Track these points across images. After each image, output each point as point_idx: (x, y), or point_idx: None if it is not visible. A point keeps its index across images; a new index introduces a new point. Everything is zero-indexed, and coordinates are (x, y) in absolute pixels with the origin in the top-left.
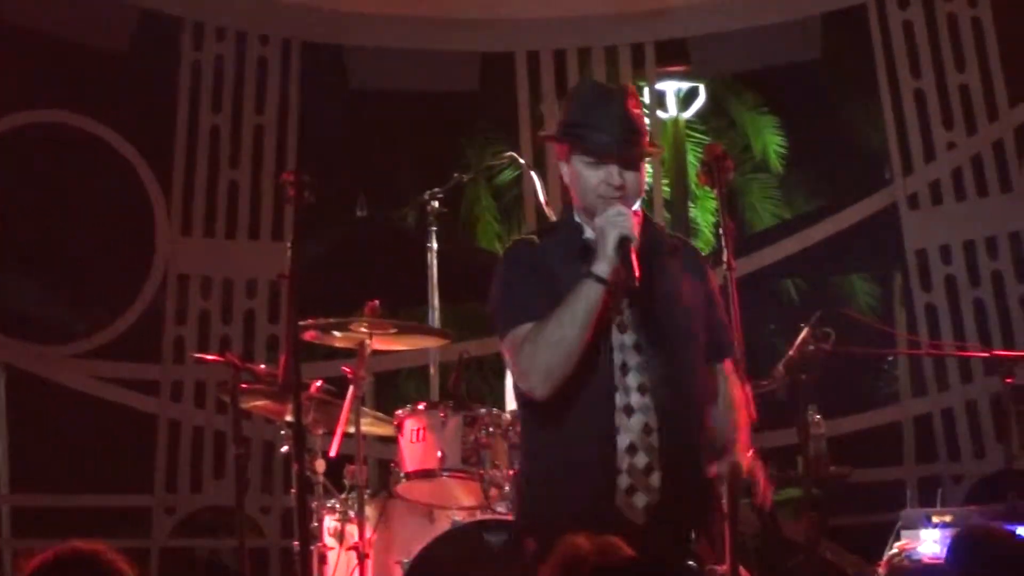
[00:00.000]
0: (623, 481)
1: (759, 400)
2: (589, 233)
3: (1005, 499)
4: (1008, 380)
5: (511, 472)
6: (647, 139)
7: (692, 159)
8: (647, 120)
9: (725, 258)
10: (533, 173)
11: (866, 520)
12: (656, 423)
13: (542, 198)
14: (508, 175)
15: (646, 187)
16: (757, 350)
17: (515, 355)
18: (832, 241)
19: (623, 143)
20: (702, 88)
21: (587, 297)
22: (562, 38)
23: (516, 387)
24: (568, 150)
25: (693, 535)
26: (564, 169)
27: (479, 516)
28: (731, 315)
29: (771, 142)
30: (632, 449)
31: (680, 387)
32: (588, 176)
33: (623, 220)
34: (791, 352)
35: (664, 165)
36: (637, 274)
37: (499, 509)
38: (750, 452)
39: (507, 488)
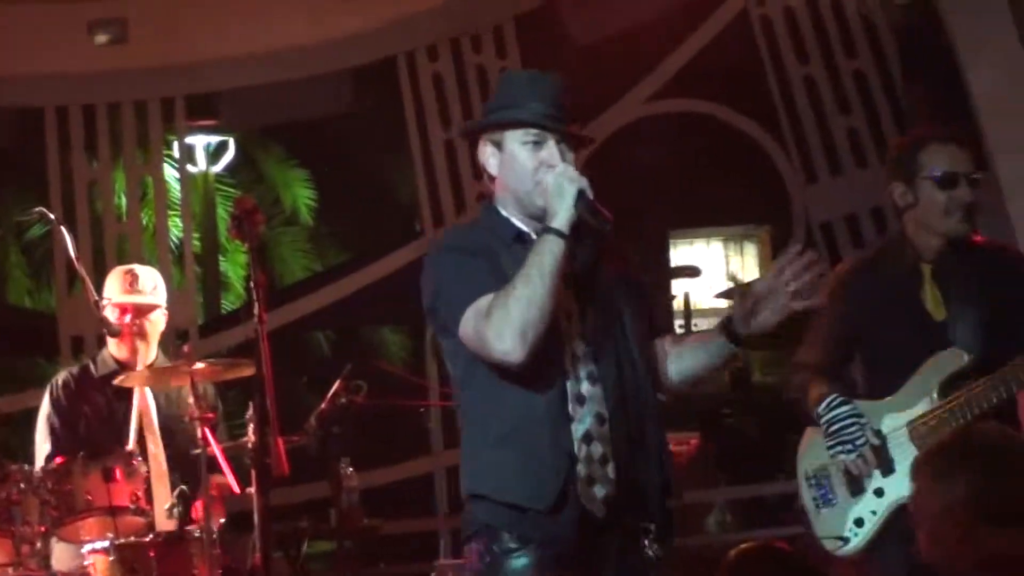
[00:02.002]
0: (581, 471)
1: (291, 454)
2: (521, 225)
3: None
4: None
5: (42, 529)
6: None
7: (222, 212)
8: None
9: (256, 311)
10: (63, 228)
11: (400, 572)
12: (608, 412)
13: (72, 253)
14: (38, 231)
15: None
16: (289, 404)
17: (483, 324)
18: (363, 293)
19: (562, 118)
20: (232, 142)
21: (552, 252)
22: (92, 93)
23: (467, 368)
24: (498, 135)
25: (652, 528)
26: (492, 160)
27: (12, 574)
28: (262, 370)
29: (301, 195)
30: (588, 438)
31: (629, 377)
32: (525, 159)
33: (574, 174)
34: (323, 405)
35: (194, 219)
36: (608, 216)
37: (31, 565)
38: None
39: (39, 545)
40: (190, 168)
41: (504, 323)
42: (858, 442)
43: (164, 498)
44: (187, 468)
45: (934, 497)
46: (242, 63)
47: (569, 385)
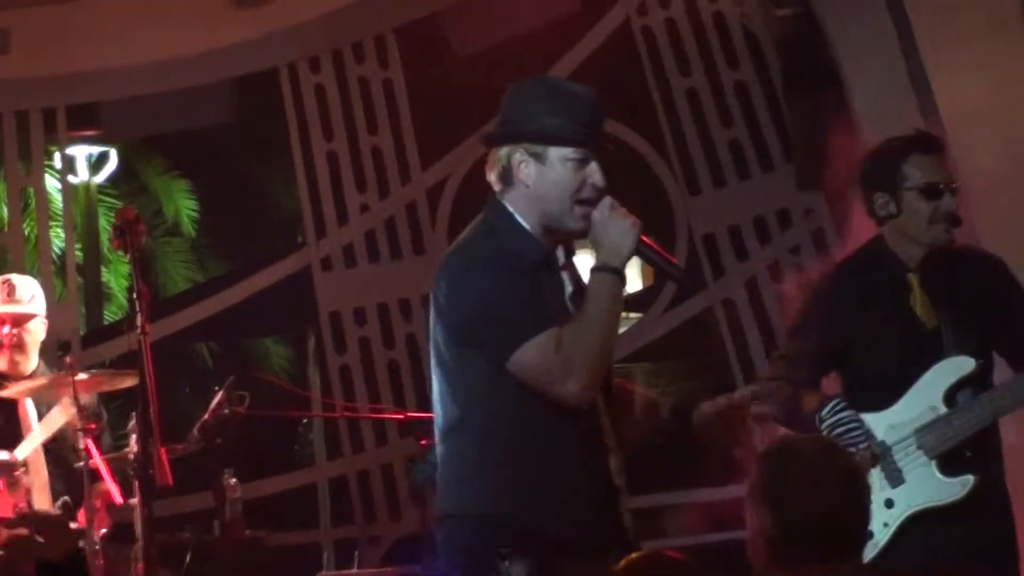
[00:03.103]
0: (622, 503)
1: (174, 465)
2: (539, 238)
3: (421, 560)
4: (423, 442)
5: None
6: None
7: (104, 223)
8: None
9: (139, 322)
10: None
11: None
12: (615, 444)
13: None
14: None
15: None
16: (172, 415)
17: (553, 360)
18: (246, 304)
19: (604, 137)
20: (114, 152)
21: (615, 294)
22: None
23: (490, 383)
24: (540, 147)
25: None
26: (526, 170)
27: None
28: (145, 381)
29: (184, 206)
30: (620, 470)
31: (617, 408)
32: (569, 176)
33: (631, 218)
34: (206, 416)
35: (76, 230)
36: (675, 260)
37: None
38: None
39: None
40: (72, 178)
41: (579, 366)
42: (860, 445)
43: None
44: (70, 479)
45: (751, 513)
46: (124, 73)
47: (601, 418)
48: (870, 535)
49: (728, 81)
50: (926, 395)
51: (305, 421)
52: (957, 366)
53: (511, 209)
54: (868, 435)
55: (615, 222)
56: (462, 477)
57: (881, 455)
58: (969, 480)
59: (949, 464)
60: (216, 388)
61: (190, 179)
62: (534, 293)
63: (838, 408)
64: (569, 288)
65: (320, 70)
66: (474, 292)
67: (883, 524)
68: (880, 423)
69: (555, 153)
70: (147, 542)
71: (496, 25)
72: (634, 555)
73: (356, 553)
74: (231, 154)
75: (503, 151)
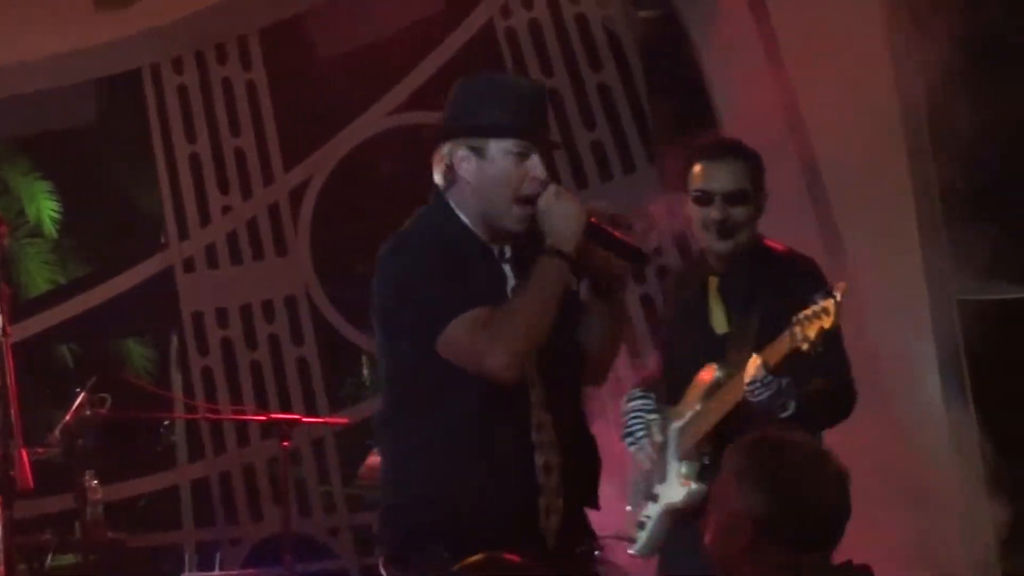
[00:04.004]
0: (542, 502)
1: (35, 467)
2: (479, 233)
3: (283, 562)
4: (285, 443)
5: None
6: None
7: None
8: None
9: (0, 324)
10: None
11: None
12: (556, 438)
13: None
14: None
15: None
16: (33, 416)
17: (480, 335)
18: (108, 306)
19: (547, 129)
20: None
21: (558, 278)
22: None
23: (423, 371)
24: (479, 141)
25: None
26: (466, 165)
27: None
28: (6, 383)
29: (45, 207)
30: (548, 468)
31: (571, 403)
32: (510, 170)
33: (577, 202)
34: (68, 418)
35: None
36: (630, 240)
37: None
38: None
39: None
40: None
41: (505, 340)
42: (638, 434)
43: None
44: None
45: (734, 493)
46: None
47: (532, 412)
48: (643, 525)
49: (591, 83)
50: (691, 396)
51: (167, 423)
52: (721, 369)
53: (452, 204)
54: (648, 429)
55: (561, 205)
56: (387, 470)
57: (660, 450)
58: (692, 489)
59: (692, 468)
60: (78, 390)
61: (52, 180)
62: (462, 274)
63: (630, 397)
64: (512, 281)
65: (183, 71)
66: (401, 272)
67: (647, 516)
68: (668, 421)
69: (495, 147)
70: (7, 544)
71: (361, 26)
72: (471, 559)
73: (218, 555)
74: (94, 155)
75: (445, 147)
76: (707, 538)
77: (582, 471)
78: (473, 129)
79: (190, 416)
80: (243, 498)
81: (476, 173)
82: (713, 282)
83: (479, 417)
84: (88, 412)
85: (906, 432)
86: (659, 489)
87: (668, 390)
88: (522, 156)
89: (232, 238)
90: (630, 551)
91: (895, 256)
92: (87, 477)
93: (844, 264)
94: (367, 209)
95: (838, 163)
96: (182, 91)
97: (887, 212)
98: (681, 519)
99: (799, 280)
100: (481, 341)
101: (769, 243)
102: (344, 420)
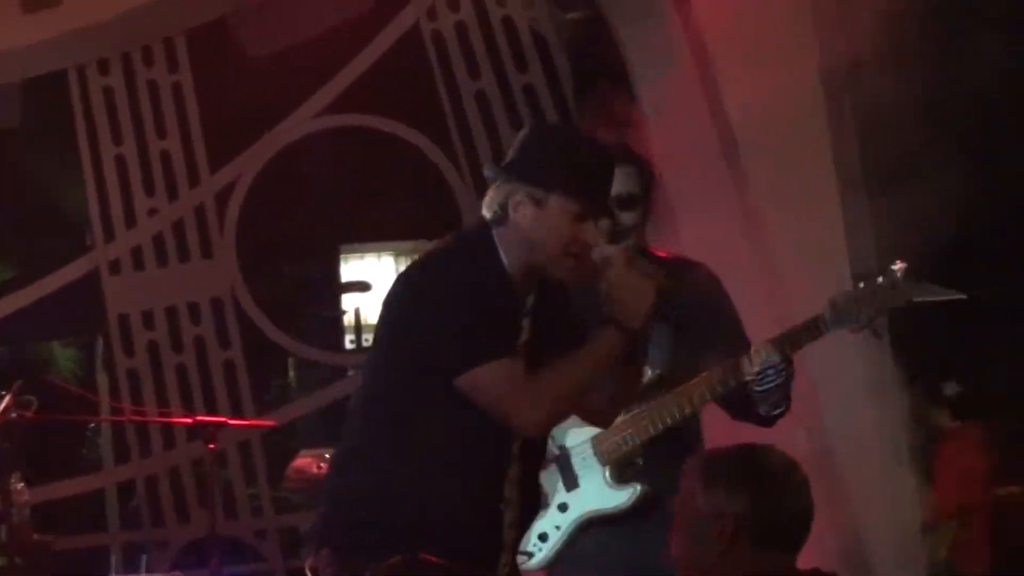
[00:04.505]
0: (503, 558)
1: None
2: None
3: (208, 565)
4: (211, 446)
5: None
6: None
7: None
8: None
9: None
10: None
11: None
12: (516, 498)
13: None
14: None
15: None
16: None
17: (518, 388)
18: (33, 308)
19: (607, 200)
20: None
21: (613, 353)
22: None
23: (421, 393)
24: (543, 193)
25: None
26: (525, 212)
27: None
28: None
29: None
30: (511, 525)
31: (538, 455)
32: (563, 229)
33: (649, 289)
34: None
35: None
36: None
37: None
38: None
39: None
40: None
41: (547, 400)
42: None
43: None
44: None
45: (703, 501)
46: None
47: (510, 468)
48: (545, 537)
49: (517, 84)
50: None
51: (93, 425)
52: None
53: (498, 242)
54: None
55: (634, 280)
56: (355, 479)
57: (560, 458)
58: (637, 490)
59: (621, 472)
60: (3, 392)
61: None
62: (492, 318)
63: None
64: (524, 336)
65: (109, 73)
66: (434, 296)
67: (555, 527)
68: (567, 427)
69: (556, 202)
70: None
71: (288, 28)
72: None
73: (144, 557)
74: (18, 158)
75: (505, 186)
76: (674, 547)
77: (527, 526)
78: (540, 180)
79: (116, 419)
80: (169, 500)
81: (530, 220)
82: None
83: (461, 469)
84: (14, 415)
85: (829, 418)
86: (567, 498)
87: None
88: (579, 218)
89: (158, 240)
90: (527, 566)
91: (817, 237)
92: (13, 480)
93: (766, 248)
94: (294, 211)
95: (759, 146)
96: (108, 93)
97: (809, 193)
98: (611, 523)
99: (697, 284)
100: (521, 394)
101: (654, 250)
102: (271, 422)
